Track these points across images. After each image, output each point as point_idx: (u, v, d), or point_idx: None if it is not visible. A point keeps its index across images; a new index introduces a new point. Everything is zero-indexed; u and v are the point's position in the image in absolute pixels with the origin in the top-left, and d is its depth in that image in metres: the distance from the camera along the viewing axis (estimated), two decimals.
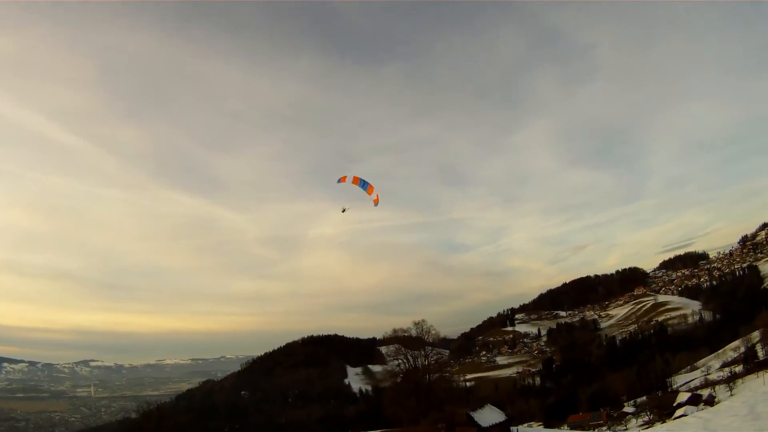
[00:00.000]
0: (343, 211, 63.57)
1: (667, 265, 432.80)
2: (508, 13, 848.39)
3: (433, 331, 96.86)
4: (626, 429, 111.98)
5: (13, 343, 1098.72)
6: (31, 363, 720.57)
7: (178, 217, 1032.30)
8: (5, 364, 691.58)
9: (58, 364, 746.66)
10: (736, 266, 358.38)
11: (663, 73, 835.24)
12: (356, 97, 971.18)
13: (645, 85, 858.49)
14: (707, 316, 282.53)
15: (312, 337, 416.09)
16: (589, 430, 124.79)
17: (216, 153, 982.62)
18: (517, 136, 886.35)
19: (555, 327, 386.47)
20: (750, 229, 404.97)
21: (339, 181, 60.34)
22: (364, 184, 58.91)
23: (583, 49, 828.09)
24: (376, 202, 60.71)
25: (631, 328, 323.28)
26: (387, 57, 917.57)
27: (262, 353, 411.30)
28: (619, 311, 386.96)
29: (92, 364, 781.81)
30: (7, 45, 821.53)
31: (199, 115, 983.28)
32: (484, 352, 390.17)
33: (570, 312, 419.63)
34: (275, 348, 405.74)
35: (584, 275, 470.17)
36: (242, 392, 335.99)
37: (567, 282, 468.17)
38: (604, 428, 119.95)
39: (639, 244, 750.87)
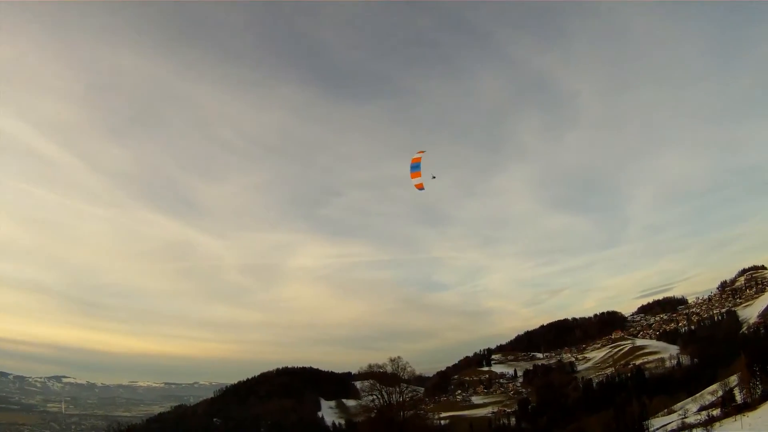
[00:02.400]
0: (433, 177, 64.63)
1: (645, 309, 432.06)
2: (491, 58, 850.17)
3: (408, 368, 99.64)
4: None
5: None
6: (2, 374, 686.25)
7: (158, 240, 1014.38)
8: None
9: (29, 377, 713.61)
10: (714, 311, 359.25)
11: (642, 122, 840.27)
12: (338, 131, 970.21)
13: (624, 133, 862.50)
14: (685, 360, 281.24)
15: (287, 368, 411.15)
16: None
17: (199, 178, 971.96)
18: (497, 179, 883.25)
19: (531, 368, 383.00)
20: (728, 275, 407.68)
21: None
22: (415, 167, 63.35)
23: (566, 96, 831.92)
24: (418, 187, 64.46)
25: (609, 371, 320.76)
26: (368, 94, 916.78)
27: (236, 381, 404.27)
28: (596, 354, 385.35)
29: (65, 380, 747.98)
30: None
31: (184, 139, 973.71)
32: (459, 391, 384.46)
33: (547, 354, 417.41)
34: (250, 377, 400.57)
35: (561, 318, 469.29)
36: (215, 419, 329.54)
37: (544, 324, 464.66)
38: None
39: (617, 288, 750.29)
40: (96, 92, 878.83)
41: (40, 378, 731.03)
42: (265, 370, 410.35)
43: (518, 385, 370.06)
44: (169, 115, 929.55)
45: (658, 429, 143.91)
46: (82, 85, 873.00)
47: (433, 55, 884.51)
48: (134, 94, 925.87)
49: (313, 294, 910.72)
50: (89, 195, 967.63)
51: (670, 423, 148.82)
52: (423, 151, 62.92)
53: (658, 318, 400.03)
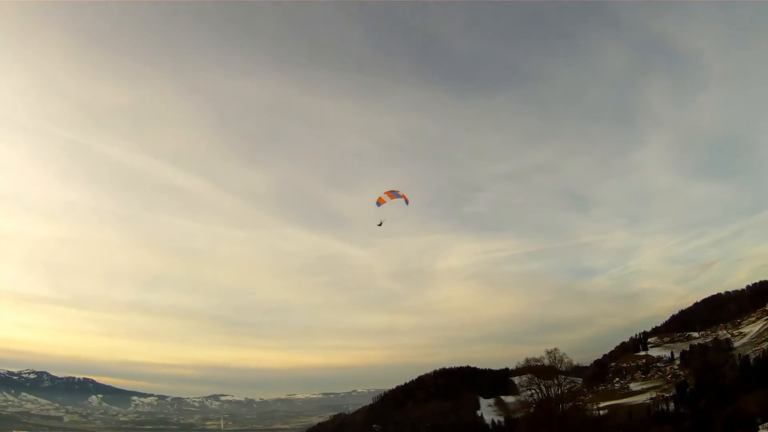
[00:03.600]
0: (380, 224, 77.23)
1: None
2: (608, 29, 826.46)
3: (565, 359, 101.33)
4: None
5: (142, 378, 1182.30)
6: (161, 397, 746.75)
7: (303, 255, 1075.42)
8: (134, 398, 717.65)
9: (187, 398, 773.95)
10: None
11: None
12: (468, 126, 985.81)
13: (757, 88, 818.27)
14: None
15: (444, 369, 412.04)
16: None
17: (336, 190, 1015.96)
18: (634, 154, 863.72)
19: (688, 349, 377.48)
20: None
21: (378, 203, 74.63)
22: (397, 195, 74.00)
23: (691, 56, 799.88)
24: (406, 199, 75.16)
25: (764, 345, 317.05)
26: (492, 85, 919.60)
27: (394, 386, 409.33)
28: (751, 328, 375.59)
29: (222, 398, 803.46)
30: (125, 97, 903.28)
31: (316, 154, 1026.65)
32: (617, 379, 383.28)
33: (702, 332, 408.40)
34: (407, 381, 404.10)
35: (714, 293, 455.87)
36: (374, 425, 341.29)
37: (698, 301, 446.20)
38: None
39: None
40: (222, 119, 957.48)
41: (198, 398, 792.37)
42: (421, 372, 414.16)
43: (675, 367, 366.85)
44: (298, 132, 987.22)
45: None
46: (207, 115, 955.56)
47: (551, 35, 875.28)
48: (260, 116, 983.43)
49: (464, 293, 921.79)
50: (230, 219, 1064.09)
51: None
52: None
53: None
